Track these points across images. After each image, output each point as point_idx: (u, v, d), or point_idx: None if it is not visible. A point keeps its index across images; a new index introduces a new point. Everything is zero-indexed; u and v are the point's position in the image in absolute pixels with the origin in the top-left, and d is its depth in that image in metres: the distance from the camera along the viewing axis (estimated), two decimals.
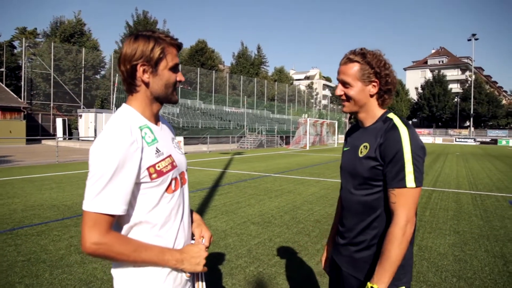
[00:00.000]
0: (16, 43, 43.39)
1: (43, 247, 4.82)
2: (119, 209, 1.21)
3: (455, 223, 6.57)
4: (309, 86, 78.61)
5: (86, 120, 30.44)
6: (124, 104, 1.39)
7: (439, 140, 60.10)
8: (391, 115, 1.68)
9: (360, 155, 1.66)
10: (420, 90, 72.90)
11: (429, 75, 79.41)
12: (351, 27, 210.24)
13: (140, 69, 1.30)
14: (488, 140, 56.88)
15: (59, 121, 32.71)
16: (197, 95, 41.64)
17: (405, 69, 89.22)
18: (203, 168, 14.66)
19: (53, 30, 41.63)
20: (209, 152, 25.41)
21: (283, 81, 63.81)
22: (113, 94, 30.90)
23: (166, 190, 1.34)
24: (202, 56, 48.78)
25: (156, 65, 1.32)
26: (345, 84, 1.68)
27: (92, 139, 25.58)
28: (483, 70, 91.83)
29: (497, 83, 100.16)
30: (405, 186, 1.50)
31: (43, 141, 30.19)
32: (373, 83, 1.65)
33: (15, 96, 31.48)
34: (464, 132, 63.32)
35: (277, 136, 37.35)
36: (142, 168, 1.25)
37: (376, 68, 1.62)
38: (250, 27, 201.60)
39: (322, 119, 48.34)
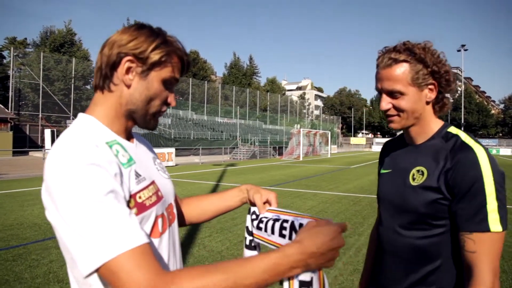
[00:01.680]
0: (5, 53, 42.72)
1: (18, 275, 4.31)
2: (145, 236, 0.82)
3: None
4: (301, 97, 78.87)
5: None
6: (81, 114, 0.99)
7: None
8: (453, 129, 1.28)
9: (413, 183, 1.25)
10: None
11: None
12: (343, 38, 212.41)
13: (124, 64, 0.95)
14: None
15: (47, 132, 32.00)
16: (189, 106, 41.21)
17: None
18: (196, 181, 14.18)
19: (43, 40, 41.11)
20: (201, 164, 24.90)
21: (275, 91, 63.85)
22: None
23: (151, 233, 0.96)
24: (194, 66, 48.74)
25: (150, 69, 0.97)
26: (393, 93, 1.25)
27: None
28: (472, 80, 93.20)
29: (485, 92, 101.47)
30: (488, 230, 1.09)
31: (30, 153, 29.52)
32: (430, 86, 1.24)
33: (2, 106, 30.81)
34: None
35: (270, 147, 36.99)
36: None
37: (433, 66, 1.21)
38: (242, 38, 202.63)
39: (314, 129, 48.08)
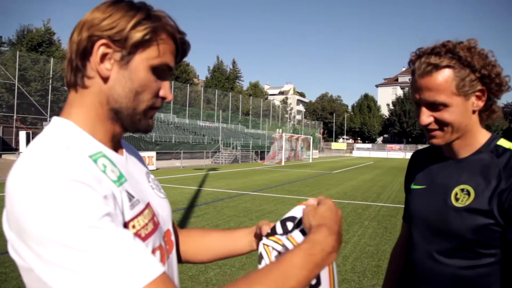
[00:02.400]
0: None
1: None
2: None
3: None
4: (284, 101, 79.11)
5: None
6: (55, 119, 0.78)
7: (409, 155, 59.81)
8: (504, 142, 1.11)
9: (457, 204, 1.08)
10: (391, 107, 74.77)
11: (399, 92, 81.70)
12: (324, 43, 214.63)
13: (98, 50, 0.73)
14: None
15: (22, 134, 30.94)
16: (170, 109, 40.63)
17: (377, 86, 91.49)
18: (177, 186, 13.87)
19: (19, 39, 40.02)
20: (183, 168, 24.57)
21: (258, 96, 63.81)
22: None
23: None
24: (176, 69, 47.44)
25: (131, 53, 0.75)
26: (434, 105, 1.08)
27: None
28: None
29: None
30: None
31: (3, 156, 28.52)
32: (477, 93, 1.07)
33: None
34: None
35: (252, 152, 36.82)
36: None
37: (482, 69, 1.03)
38: (226, 41, 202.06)
39: (296, 134, 48.17)
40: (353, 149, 68.62)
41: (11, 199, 0.63)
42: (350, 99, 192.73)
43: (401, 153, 62.48)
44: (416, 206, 1.24)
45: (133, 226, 0.72)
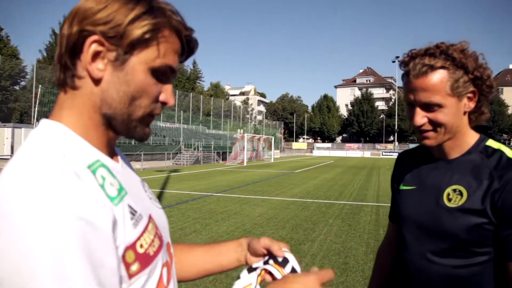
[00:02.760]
0: None
1: None
2: None
3: None
4: (245, 102, 79.30)
5: (1, 136, 27.54)
6: (45, 122, 0.67)
7: (367, 154, 63.11)
8: (493, 142, 1.13)
9: (450, 205, 1.09)
10: (350, 107, 76.98)
11: (357, 93, 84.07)
12: (285, 43, 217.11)
13: (90, 47, 0.63)
14: None
15: None
16: None
17: (336, 87, 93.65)
18: None
19: None
20: (143, 170, 24.03)
21: (219, 96, 63.59)
22: (34, 108, 28.32)
23: None
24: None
25: (128, 53, 0.65)
26: (429, 106, 1.08)
27: (7, 157, 22.89)
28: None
29: None
30: None
31: None
32: (469, 95, 1.08)
33: None
34: (390, 146, 67.46)
35: (214, 152, 36.57)
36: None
37: (475, 71, 1.04)
38: None
39: (258, 134, 48.36)
40: (313, 148, 69.90)
41: None
42: (310, 100, 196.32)
43: (359, 152, 64.40)
44: (407, 207, 1.24)
45: (141, 246, 0.64)
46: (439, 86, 1.05)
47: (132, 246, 0.62)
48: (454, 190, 1.10)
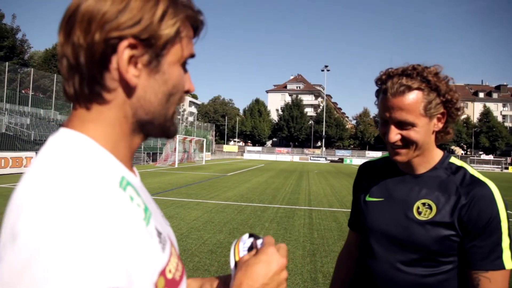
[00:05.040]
0: None
1: None
2: None
3: (342, 243, 6.63)
4: None
5: None
6: (69, 133, 0.58)
7: (296, 158, 65.26)
8: (455, 160, 1.24)
9: (420, 218, 1.16)
10: (280, 112, 79.00)
11: (288, 98, 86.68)
12: (217, 46, 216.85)
13: (125, 53, 0.56)
14: (336, 159, 64.33)
15: None
16: (52, 105, 36.84)
17: (267, 92, 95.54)
18: None
19: None
20: None
21: None
22: None
23: None
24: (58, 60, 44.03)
25: (161, 51, 0.60)
26: (403, 124, 1.14)
27: None
28: (331, 97, 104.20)
29: (341, 109, 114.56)
30: (503, 268, 1.07)
31: None
32: (439, 115, 1.16)
33: None
34: (317, 151, 70.61)
35: (144, 153, 35.36)
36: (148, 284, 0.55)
37: (446, 94, 1.12)
38: None
39: (189, 136, 47.72)
40: (244, 151, 70.68)
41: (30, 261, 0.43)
42: (241, 103, 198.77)
43: (289, 156, 66.34)
44: (375, 219, 1.29)
45: (170, 271, 0.60)
46: (414, 106, 1.11)
47: (162, 272, 0.58)
48: (424, 204, 1.18)
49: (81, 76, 0.57)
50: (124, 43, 0.55)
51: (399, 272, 1.20)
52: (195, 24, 0.65)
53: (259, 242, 0.74)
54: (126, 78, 0.57)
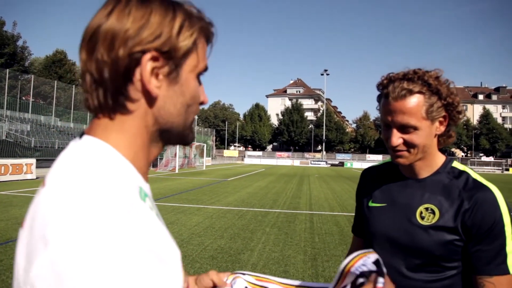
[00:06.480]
0: None
1: None
2: None
3: (344, 248, 6.68)
4: None
5: None
6: (92, 140, 0.61)
7: (297, 162, 65.21)
8: (458, 164, 1.23)
9: (423, 223, 1.16)
10: (280, 116, 79.12)
11: (288, 103, 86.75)
12: (217, 51, 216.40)
13: (147, 65, 0.60)
14: (337, 162, 64.07)
15: None
16: (52, 111, 36.93)
17: (267, 96, 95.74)
18: None
19: None
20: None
21: None
22: None
23: None
24: (60, 68, 44.58)
25: (180, 63, 0.64)
26: (405, 128, 1.15)
27: None
28: (331, 101, 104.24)
29: (341, 113, 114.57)
30: (508, 273, 1.07)
31: None
32: (441, 119, 1.17)
33: None
34: (318, 155, 70.57)
35: None
36: None
37: (447, 97, 1.13)
38: None
39: None
40: (244, 156, 70.65)
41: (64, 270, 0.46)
42: (241, 108, 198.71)
43: (289, 161, 66.30)
44: (379, 224, 1.29)
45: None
46: (416, 110, 1.12)
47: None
48: (427, 209, 1.18)
49: (105, 89, 0.60)
50: (147, 56, 0.59)
51: (404, 277, 1.19)
52: (208, 35, 0.69)
53: (380, 280, 0.78)
54: (149, 89, 0.60)
